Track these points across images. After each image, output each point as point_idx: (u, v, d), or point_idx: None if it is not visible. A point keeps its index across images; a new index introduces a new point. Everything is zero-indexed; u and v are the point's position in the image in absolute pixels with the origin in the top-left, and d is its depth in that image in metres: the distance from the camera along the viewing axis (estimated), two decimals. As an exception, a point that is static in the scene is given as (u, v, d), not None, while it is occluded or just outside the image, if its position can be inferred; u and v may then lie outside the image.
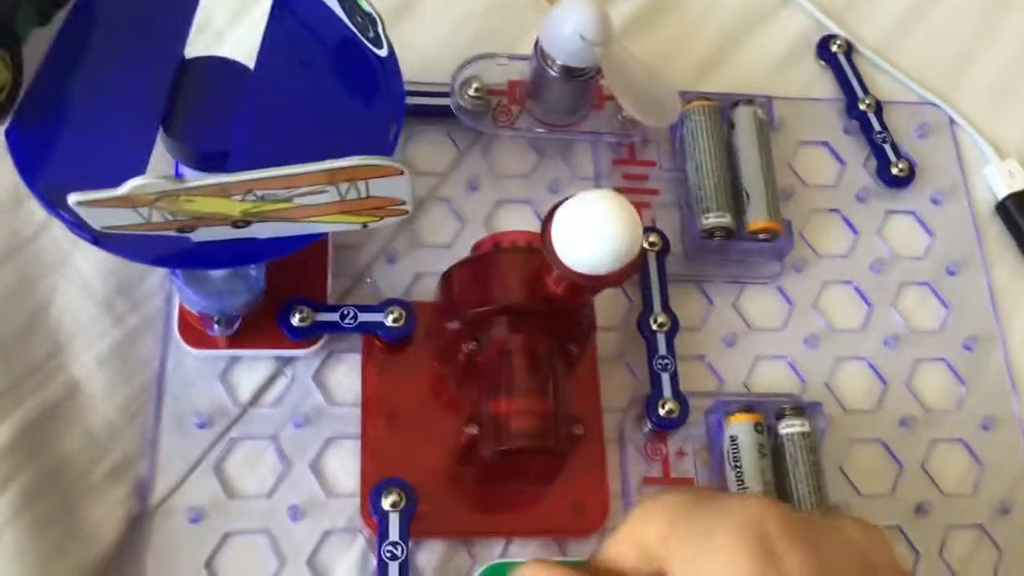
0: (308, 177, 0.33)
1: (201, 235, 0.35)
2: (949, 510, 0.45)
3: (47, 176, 0.36)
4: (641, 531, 0.32)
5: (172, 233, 0.35)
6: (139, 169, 0.35)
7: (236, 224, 0.35)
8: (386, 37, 0.39)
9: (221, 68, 0.38)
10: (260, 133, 0.38)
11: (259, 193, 0.33)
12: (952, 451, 0.46)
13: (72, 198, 0.31)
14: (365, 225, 0.36)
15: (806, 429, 0.43)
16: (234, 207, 0.34)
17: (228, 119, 0.38)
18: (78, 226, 0.34)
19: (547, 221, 0.36)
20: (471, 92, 0.47)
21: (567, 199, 0.36)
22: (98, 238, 0.35)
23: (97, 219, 0.33)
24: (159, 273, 0.44)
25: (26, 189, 0.41)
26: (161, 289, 0.44)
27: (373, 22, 0.38)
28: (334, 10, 0.40)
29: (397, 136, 0.39)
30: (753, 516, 0.30)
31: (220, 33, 0.48)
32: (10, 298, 0.42)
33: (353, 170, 0.33)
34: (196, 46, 0.40)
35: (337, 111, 0.39)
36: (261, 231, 0.36)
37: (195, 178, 0.32)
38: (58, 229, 0.44)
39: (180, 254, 0.36)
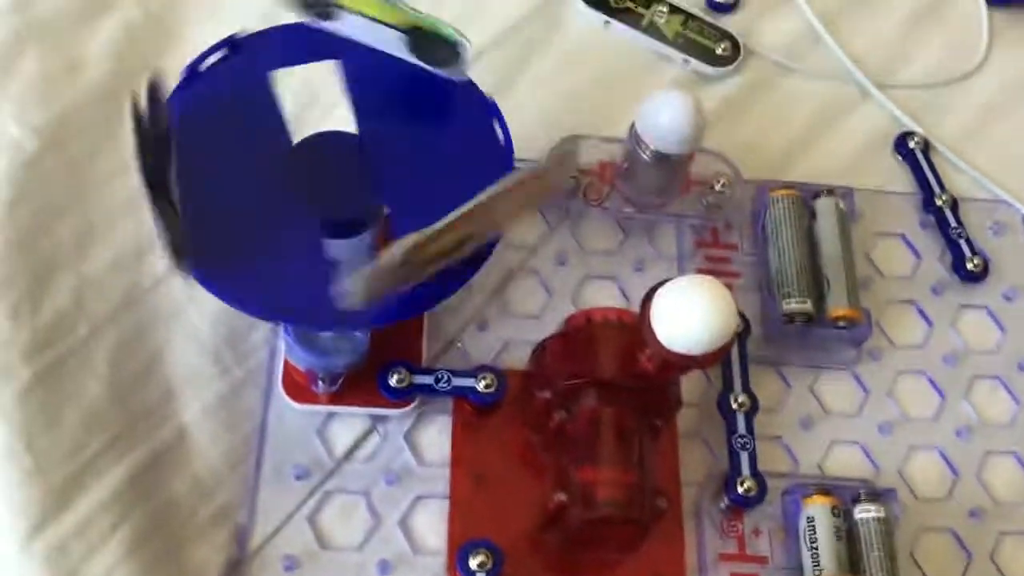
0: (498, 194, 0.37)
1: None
2: (1018, 603, 0.46)
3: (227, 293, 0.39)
4: None
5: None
6: (282, 247, 0.39)
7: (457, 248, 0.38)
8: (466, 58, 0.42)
9: (330, 141, 0.41)
10: (396, 188, 0.41)
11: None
12: (1021, 545, 0.47)
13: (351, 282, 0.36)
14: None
15: (881, 515, 0.44)
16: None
17: (354, 184, 0.41)
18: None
19: (646, 301, 0.38)
20: (564, 171, 0.50)
21: (666, 281, 0.38)
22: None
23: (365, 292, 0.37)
24: (264, 328, 0.46)
25: (148, 243, 0.45)
26: (265, 344, 0.46)
27: (455, 51, 0.41)
28: (403, 56, 0.43)
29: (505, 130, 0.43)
30: None
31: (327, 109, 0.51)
32: (128, 346, 0.44)
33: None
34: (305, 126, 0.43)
35: (445, 143, 0.42)
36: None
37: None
38: (175, 282, 0.46)
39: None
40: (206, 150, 0.41)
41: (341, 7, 0.41)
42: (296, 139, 0.42)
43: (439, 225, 0.36)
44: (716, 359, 0.37)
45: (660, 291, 0.37)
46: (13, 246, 0.44)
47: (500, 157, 0.43)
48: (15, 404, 0.41)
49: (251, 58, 0.44)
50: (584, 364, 0.42)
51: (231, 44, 0.44)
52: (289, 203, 0.40)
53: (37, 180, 0.46)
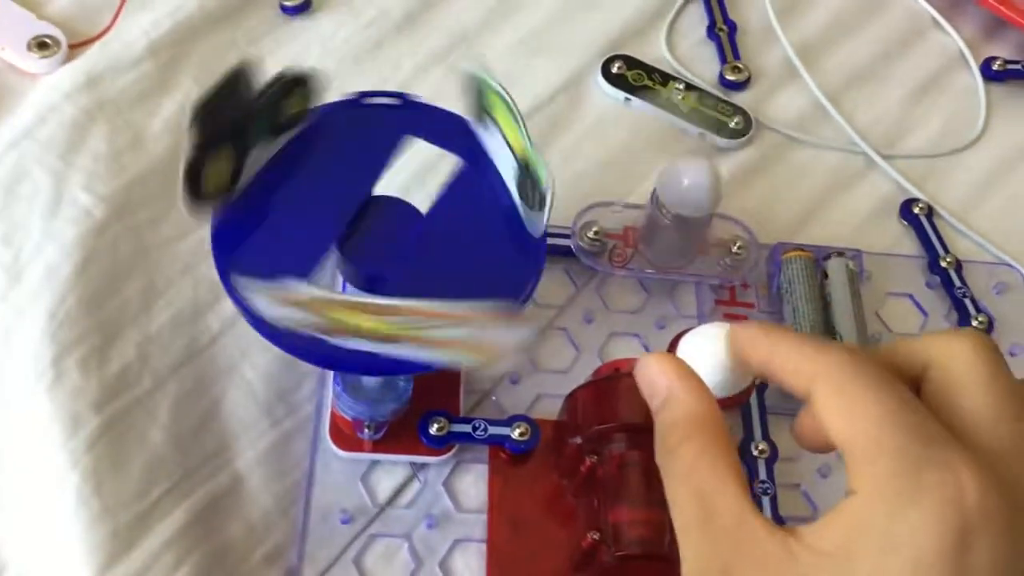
0: (442, 315, 0.38)
1: (344, 342, 0.40)
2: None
3: (238, 268, 0.42)
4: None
5: (321, 336, 0.40)
6: (307, 277, 0.42)
7: (378, 340, 0.40)
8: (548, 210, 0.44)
9: (398, 208, 0.45)
10: (416, 268, 0.44)
11: (395, 319, 0.39)
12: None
13: (243, 283, 0.39)
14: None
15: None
16: (373, 325, 0.39)
17: (393, 251, 0.44)
18: (252, 316, 0.41)
19: (671, 348, 0.41)
20: (590, 235, 0.53)
21: (688, 330, 0.41)
22: (272, 333, 0.41)
23: (266, 311, 0.39)
24: (312, 383, 0.50)
25: (205, 303, 0.48)
26: (313, 397, 0.49)
27: (543, 200, 0.43)
28: (507, 183, 0.46)
29: (532, 291, 0.44)
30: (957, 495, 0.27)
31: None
32: (187, 398, 0.48)
33: (483, 314, 0.38)
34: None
35: (485, 259, 0.45)
36: (395, 350, 0.40)
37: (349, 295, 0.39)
38: (230, 339, 0.50)
39: (328, 357, 0.42)
40: (307, 160, 0.46)
41: (494, 121, 0.45)
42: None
43: (344, 298, 0.39)
44: (738, 403, 0.40)
45: (684, 337, 0.40)
46: (84, 304, 0.47)
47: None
48: (84, 450, 0.44)
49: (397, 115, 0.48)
50: (613, 411, 0.45)
51: (401, 97, 0.48)
52: (329, 238, 0.44)
53: (105, 245, 0.50)
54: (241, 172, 0.44)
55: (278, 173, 0.45)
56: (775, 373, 0.32)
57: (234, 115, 0.42)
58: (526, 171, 0.43)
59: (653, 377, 0.35)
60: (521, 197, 0.45)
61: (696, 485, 0.31)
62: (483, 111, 0.45)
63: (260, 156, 0.44)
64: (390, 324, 0.39)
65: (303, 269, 0.42)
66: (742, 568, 0.29)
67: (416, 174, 0.50)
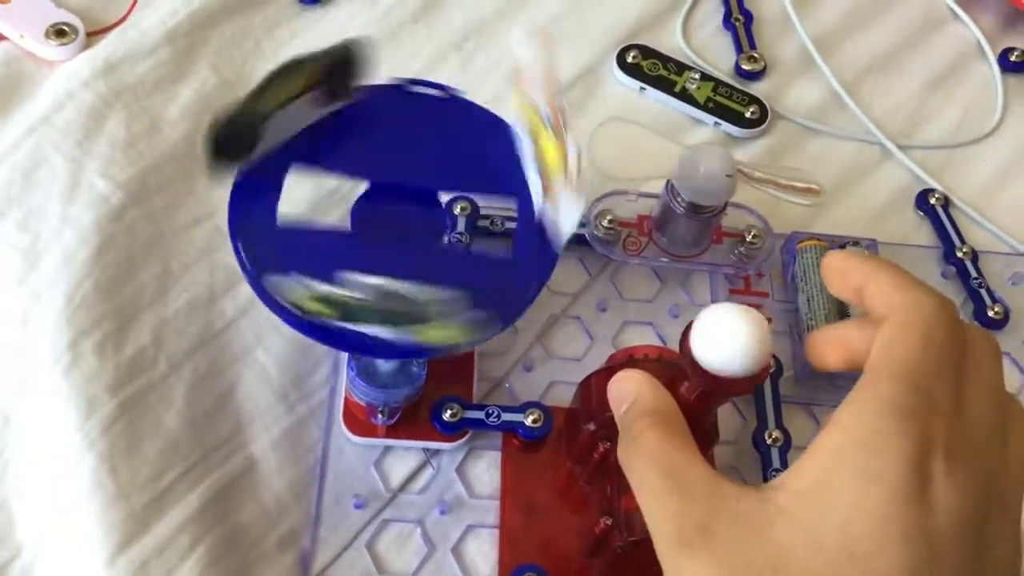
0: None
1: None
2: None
3: (261, 264, 0.43)
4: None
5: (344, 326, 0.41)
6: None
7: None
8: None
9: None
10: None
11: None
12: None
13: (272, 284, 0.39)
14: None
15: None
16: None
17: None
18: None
19: (687, 330, 0.41)
20: (604, 223, 0.53)
21: (704, 309, 0.41)
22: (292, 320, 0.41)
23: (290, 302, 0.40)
24: (325, 369, 0.50)
25: (220, 289, 0.48)
26: (327, 383, 0.49)
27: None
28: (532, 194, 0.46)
29: (535, 295, 0.45)
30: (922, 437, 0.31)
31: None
32: (202, 383, 0.48)
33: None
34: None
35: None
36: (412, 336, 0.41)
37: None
38: (244, 325, 0.50)
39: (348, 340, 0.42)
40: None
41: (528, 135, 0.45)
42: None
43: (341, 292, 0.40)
44: (755, 383, 0.40)
45: (699, 317, 0.40)
46: (100, 289, 0.48)
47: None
48: (100, 433, 0.44)
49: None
50: (627, 397, 0.44)
51: (445, 90, 0.48)
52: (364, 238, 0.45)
53: (121, 231, 0.50)
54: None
55: (306, 148, 0.45)
56: (865, 294, 0.35)
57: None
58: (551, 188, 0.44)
59: (621, 386, 0.39)
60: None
61: (663, 463, 0.34)
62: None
63: (291, 124, 0.44)
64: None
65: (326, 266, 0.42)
66: (719, 523, 0.32)
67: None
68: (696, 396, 0.42)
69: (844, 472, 0.31)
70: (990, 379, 0.34)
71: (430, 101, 0.48)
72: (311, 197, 0.52)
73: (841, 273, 0.37)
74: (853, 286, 0.36)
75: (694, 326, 0.40)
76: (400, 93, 0.48)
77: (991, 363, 0.34)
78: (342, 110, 0.46)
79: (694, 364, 0.40)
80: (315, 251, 0.44)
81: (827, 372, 0.38)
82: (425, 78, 0.49)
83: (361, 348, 0.43)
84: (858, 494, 0.31)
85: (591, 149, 0.58)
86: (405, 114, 0.48)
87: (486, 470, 0.49)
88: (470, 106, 0.48)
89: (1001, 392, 0.34)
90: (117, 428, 0.45)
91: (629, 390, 0.38)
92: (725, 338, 0.39)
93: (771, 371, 0.51)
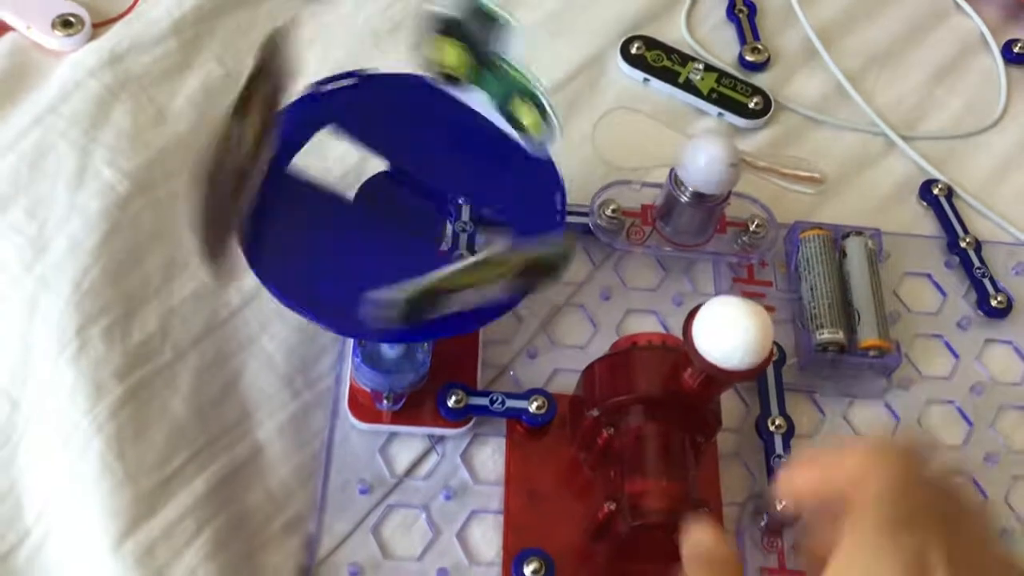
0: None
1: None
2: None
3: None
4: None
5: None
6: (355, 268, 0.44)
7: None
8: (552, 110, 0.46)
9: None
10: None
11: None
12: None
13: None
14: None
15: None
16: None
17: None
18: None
19: (689, 320, 0.41)
20: (608, 213, 0.54)
21: (706, 302, 0.41)
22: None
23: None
24: (331, 356, 0.50)
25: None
26: (332, 371, 0.50)
27: (542, 107, 0.46)
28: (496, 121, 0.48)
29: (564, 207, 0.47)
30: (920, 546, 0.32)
31: None
32: (208, 370, 0.48)
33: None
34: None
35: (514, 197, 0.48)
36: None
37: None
38: (250, 313, 0.50)
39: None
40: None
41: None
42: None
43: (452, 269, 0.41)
44: (755, 373, 0.40)
45: (702, 310, 0.40)
46: (107, 276, 0.48)
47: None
48: (108, 417, 0.45)
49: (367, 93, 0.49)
50: (630, 383, 0.45)
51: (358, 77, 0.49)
52: (365, 228, 0.45)
53: (128, 219, 0.50)
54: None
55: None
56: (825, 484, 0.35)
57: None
58: (522, 93, 0.45)
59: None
60: (514, 125, 0.47)
61: None
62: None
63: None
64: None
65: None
66: None
67: None
68: (699, 383, 0.42)
69: None
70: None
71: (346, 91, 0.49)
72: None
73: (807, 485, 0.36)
74: (827, 489, 0.35)
75: (696, 319, 0.41)
76: (314, 99, 0.49)
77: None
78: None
79: (697, 354, 0.40)
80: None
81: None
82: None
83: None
84: None
85: (595, 138, 0.58)
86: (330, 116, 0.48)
87: (490, 456, 0.49)
88: (389, 78, 0.50)
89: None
90: (124, 414, 0.45)
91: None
92: (727, 332, 0.40)
93: (774, 359, 0.51)
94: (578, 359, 0.50)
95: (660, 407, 0.45)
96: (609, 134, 0.59)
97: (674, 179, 0.51)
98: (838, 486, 0.34)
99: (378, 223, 0.46)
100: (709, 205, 0.52)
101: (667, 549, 0.45)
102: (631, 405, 0.45)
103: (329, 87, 0.49)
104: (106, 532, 0.42)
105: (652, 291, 0.55)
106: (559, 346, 0.52)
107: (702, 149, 0.50)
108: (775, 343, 0.51)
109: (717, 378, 0.41)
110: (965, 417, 0.53)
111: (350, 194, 0.48)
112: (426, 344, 0.46)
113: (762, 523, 0.48)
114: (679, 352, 0.43)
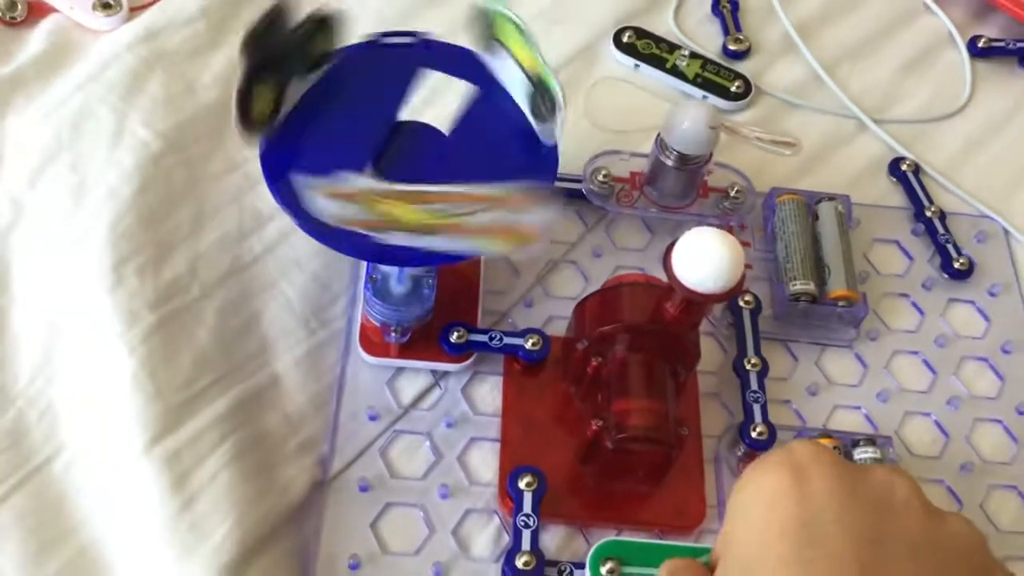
0: (478, 197, 0.43)
1: (387, 238, 0.45)
2: (1003, 543, 0.51)
3: (283, 185, 0.47)
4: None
5: (366, 232, 0.44)
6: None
7: (419, 231, 0.45)
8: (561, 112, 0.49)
9: (423, 131, 0.50)
10: (443, 178, 0.48)
11: (436, 207, 0.44)
12: (1006, 496, 0.53)
13: (303, 182, 0.43)
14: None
15: (878, 456, 0.50)
16: (415, 216, 0.44)
17: (423, 167, 0.49)
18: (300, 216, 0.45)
19: (668, 250, 0.45)
20: (599, 178, 0.58)
21: (684, 234, 0.45)
22: (314, 229, 0.45)
23: (318, 207, 0.44)
24: (343, 302, 0.54)
25: (249, 229, 0.53)
26: (344, 313, 0.54)
27: (555, 105, 0.48)
28: (519, 103, 0.51)
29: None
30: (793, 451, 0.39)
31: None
32: (232, 306, 0.53)
33: (516, 194, 0.43)
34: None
35: (505, 169, 0.50)
36: (433, 243, 0.45)
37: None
38: (271, 260, 0.55)
39: (370, 250, 0.46)
40: (338, 93, 0.51)
41: (504, 46, 0.50)
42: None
43: (389, 187, 0.44)
44: (729, 296, 0.44)
45: (680, 239, 0.45)
46: (141, 222, 0.53)
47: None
48: (140, 341, 0.49)
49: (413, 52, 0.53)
50: (616, 313, 0.49)
51: (415, 36, 0.53)
52: (364, 159, 0.49)
53: (160, 173, 0.55)
54: (283, 101, 0.49)
55: (312, 106, 0.50)
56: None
57: (274, 48, 0.47)
58: (539, 85, 0.48)
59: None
60: (533, 112, 0.50)
61: None
62: (492, 39, 0.50)
63: (296, 90, 0.50)
64: (430, 213, 0.43)
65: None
66: None
67: (433, 102, 0.53)
68: (679, 310, 0.47)
69: (734, 511, 0.39)
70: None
71: (405, 48, 0.53)
72: None
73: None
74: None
75: (675, 249, 0.45)
76: (375, 47, 0.52)
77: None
78: (330, 71, 0.51)
79: (676, 281, 0.44)
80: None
81: None
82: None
83: (384, 258, 0.47)
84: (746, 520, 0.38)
85: (588, 105, 0.63)
86: (386, 64, 0.52)
87: (489, 392, 0.53)
88: (444, 46, 0.53)
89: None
90: (156, 339, 0.49)
91: None
92: (703, 259, 0.44)
93: (751, 306, 0.55)
94: (571, 308, 0.54)
95: (644, 337, 0.49)
96: (600, 100, 0.64)
97: (660, 143, 0.56)
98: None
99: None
100: (692, 167, 0.56)
101: (651, 464, 0.49)
102: (617, 334, 0.49)
103: (391, 40, 0.53)
104: (136, 439, 0.47)
105: (640, 251, 0.59)
106: (553, 297, 0.57)
107: (685, 112, 0.54)
108: (752, 294, 0.56)
109: (695, 302, 0.45)
110: (929, 367, 0.57)
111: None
112: (431, 279, 0.50)
113: (739, 452, 0.52)
114: (661, 288, 0.48)
